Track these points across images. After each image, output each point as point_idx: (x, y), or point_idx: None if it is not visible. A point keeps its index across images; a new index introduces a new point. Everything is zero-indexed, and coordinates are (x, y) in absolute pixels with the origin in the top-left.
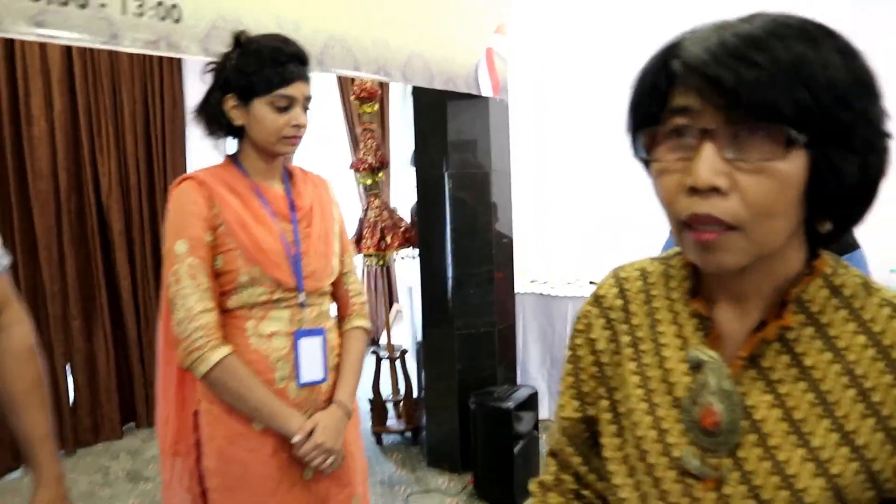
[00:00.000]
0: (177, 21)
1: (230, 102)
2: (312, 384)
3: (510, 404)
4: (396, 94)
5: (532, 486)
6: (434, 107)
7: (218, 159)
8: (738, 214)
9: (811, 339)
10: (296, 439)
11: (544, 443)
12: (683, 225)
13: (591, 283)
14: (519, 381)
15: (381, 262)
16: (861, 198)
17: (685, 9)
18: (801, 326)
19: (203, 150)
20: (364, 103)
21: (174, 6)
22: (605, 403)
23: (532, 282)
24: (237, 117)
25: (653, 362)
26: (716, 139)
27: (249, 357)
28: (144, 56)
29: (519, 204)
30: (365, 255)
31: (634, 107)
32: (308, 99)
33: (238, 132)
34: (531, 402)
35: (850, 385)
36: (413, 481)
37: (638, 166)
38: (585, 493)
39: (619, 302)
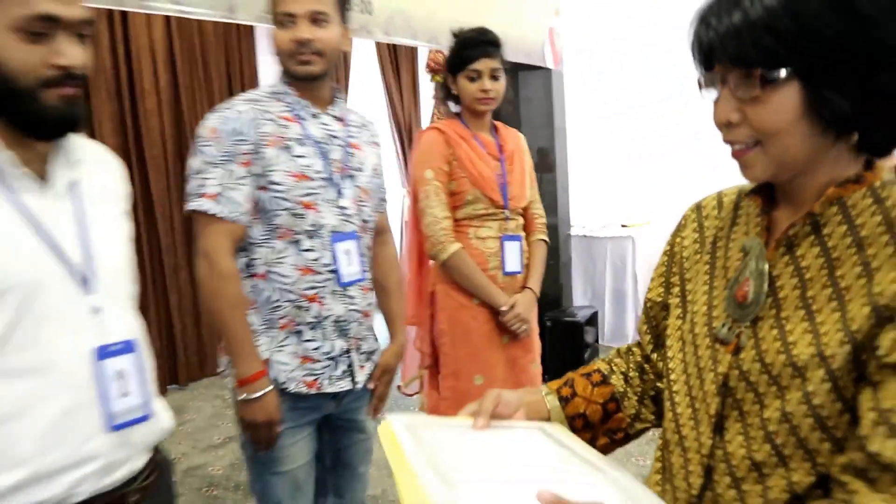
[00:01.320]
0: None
1: (450, 78)
2: (513, 274)
3: (580, 319)
4: None
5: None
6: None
7: None
8: (749, 137)
9: (842, 238)
10: (503, 308)
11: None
12: (730, 147)
13: (622, 225)
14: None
15: None
16: (889, 110)
17: None
18: (837, 224)
19: None
20: (437, 73)
21: None
22: (677, 290)
23: (572, 226)
24: (454, 88)
25: (721, 255)
26: (727, 83)
27: (471, 252)
28: (225, 32)
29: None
30: None
31: (697, 59)
32: (496, 70)
33: (457, 99)
34: (593, 319)
35: (862, 275)
36: None
37: (662, 131)
38: (647, 367)
39: (714, 211)
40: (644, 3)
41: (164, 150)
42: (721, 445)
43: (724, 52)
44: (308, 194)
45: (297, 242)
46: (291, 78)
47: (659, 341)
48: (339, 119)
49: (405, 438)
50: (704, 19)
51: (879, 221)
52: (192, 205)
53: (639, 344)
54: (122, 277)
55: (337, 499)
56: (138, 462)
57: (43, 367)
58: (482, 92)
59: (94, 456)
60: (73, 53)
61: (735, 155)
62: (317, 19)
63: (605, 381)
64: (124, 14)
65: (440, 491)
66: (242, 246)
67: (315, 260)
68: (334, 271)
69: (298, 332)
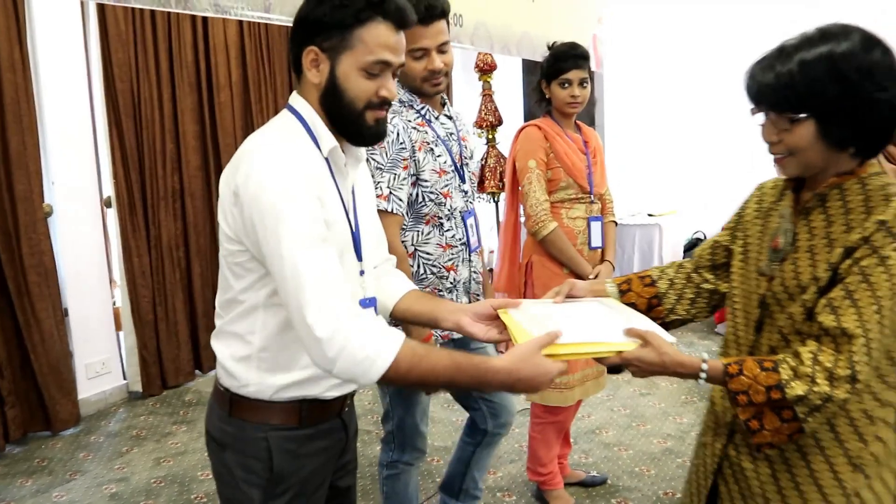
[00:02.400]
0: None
1: (543, 84)
2: (596, 248)
3: None
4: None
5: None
6: None
7: None
8: (784, 150)
9: (838, 209)
10: (591, 277)
11: None
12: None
13: (649, 214)
14: None
15: (498, 199)
16: (871, 137)
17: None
18: (834, 199)
19: None
20: (485, 74)
21: None
22: (741, 242)
23: None
24: (547, 92)
25: (768, 221)
26: (768, 117)
27: (564, 230)
28: (288, 33)
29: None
30: (487, 193)
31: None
32: (584, 80)
33: (549, 101)
34: None
35: (845, 231)
36: None
37: (685, 132)
38: (694, 276)
39: (770, 188)
40: (675, 16)
41: (235, 138)
42: (758, 340)
43: (764, 99)
44: (446, 185)
45: (440, 226)
46: (423, 96)
47: (713, 263)
48: (450, 118)
49: (515, 314)
50: (753, 75)
51: (861, 199)
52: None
53: (692, 261)
54: (372, 249)
55: (494, 421)
56: (353, 386)
57: None
58: (572, 97)
59: None
60: (392, 88)
61: (776, 161)
62: (442, 49)
63: (653, 283)
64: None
65: (533, 328)
66: None
67: (453, 237)
68: (465, 243)
69: (440, 297)
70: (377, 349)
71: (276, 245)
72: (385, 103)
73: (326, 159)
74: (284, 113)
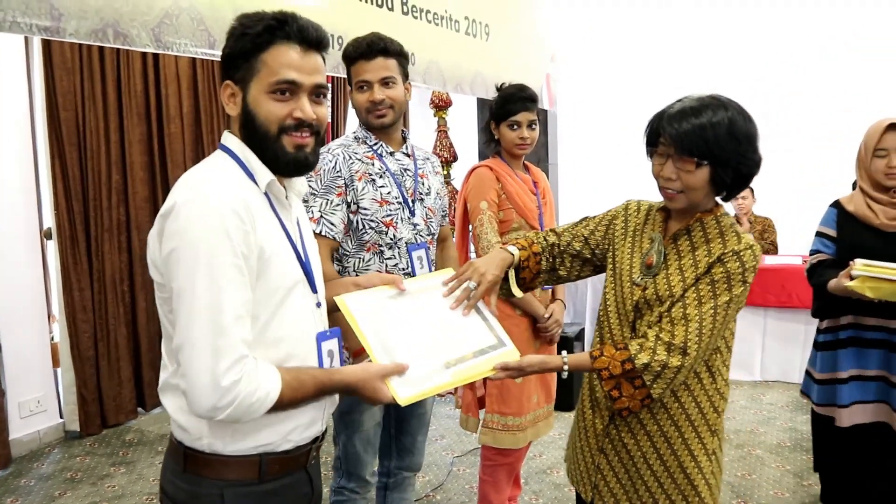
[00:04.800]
0: None
1: (493, 125)
2: (547, 289)
3: (570, 334)
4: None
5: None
6: None
7: None
8: (679, 188)
9: (699, 236)
10: (546, 317)
11: None
12: (661, 188)
13: None
14: None
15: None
16: (737, 186)
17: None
18: (697, 231)
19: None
20: (440, 110)
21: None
22: (609, 255)
23: None
24: (496, 133)
25: (638, 240)
26: (671, 158)
27: None
28: None
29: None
30: None
31: (646, 136)
32: (532, 122)
33: (498, 142)
34: (581, 335)
35: (705, 255)
36: None
37: (638, 169)
38: (558, 256)
39: (634, 211)
40: (628, 55)
41: (185, 169)
42: (632, 336)
43: (679, 144)
44: (388, 216)
45: (381, 253)
46: (371, 128)
47: (578, 253)
48: (409, 155)
49: (354, 309)
50: (669, 123)
51: (717, 232)
52: None
53: (569, 243)
54: (321, 279)
55: (399, 461)
56: (323, 426)
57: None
58: (521, 139)
59: (306, 410)
60: (308, 109)
61: (668, 196)
62: (386, 82)
63: (539, 254)
64: None
65: (371, 336)
66: (337, 257)
67: (395, 265)
68: (409, 274)
69: None
70: (266, 391)
71: (190, 283)
72: (303, 126)
73: (266, 194)
74: (217, 152)
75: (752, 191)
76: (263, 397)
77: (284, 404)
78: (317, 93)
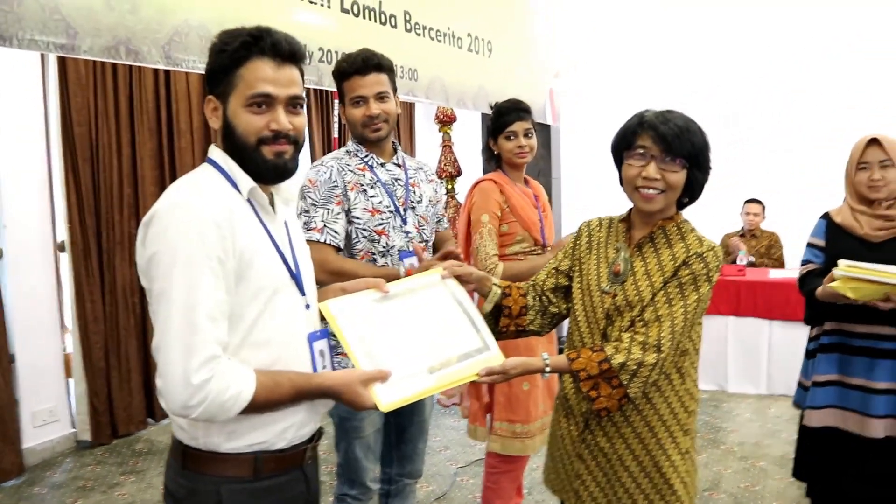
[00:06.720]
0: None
1: (491, 141)
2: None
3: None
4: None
5: None
6: None
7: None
8: (662, 187)
9: (662, 242)
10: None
11: None
12: (634, 189)
13: None
14: None
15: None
16: (699, 189)
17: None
18: (660, 238)
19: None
20: (444, 125)
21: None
22: (576, 270)
23: None
24: (495, 149)
25: (603, 252)
26: (655, 159)
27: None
28: None
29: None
30: None
31: (619, 140)
32: (528, 130)
33: (499, 158)
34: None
35: (669, 260)
36: None
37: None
38: (543, 298)
39: (596, 226)
40: (630, 67)
41: None
42: (602, 343)
43: (669, 145)
44: (380, 224)
45: (374, 261)
46: (364, 141)
47: (554, 288)
48: (399, 165)
49: (339, 317)
50: (655, 126)
51: (679, 238)
52: (305, 236)
53: (538, 285)
54: (312, 281)
55: (400, 468)
56: (316, 425)
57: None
58: (519, 148)
59: (299, 409)
60: (283, 120)
61: (647, 196)
62: (381, 97)
63: (524, 295)
64: None
65: (356, 345)
66: None
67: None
68: None
69: None
70: (238, 390)
71: (168, 284)
72: (281, 136)
73: (249, 201)
74: (203, 164)
75: (763, 207)
76: (235, 396)
77: (260, 405)
78: (293, 103)
